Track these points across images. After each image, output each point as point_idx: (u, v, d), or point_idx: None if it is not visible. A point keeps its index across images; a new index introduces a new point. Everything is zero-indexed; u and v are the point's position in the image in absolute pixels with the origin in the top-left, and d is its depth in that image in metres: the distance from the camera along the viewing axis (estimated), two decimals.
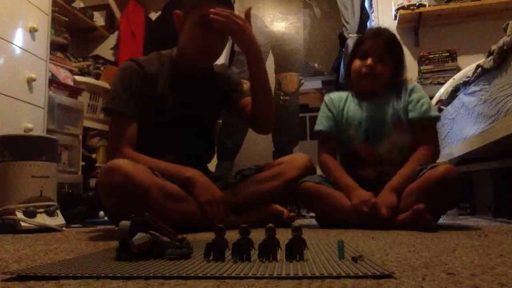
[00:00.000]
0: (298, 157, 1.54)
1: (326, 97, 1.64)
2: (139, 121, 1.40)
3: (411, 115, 1.47)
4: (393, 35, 1.55)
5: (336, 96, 1.62)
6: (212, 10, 1.33)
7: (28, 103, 2.04)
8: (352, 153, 1.52)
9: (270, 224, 0.67)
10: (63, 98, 2.40)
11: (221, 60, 1.67)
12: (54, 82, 2.35)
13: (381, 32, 1.53)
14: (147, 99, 1.40)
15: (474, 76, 1.89)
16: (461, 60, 3.01)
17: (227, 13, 1.34)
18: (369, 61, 1.48)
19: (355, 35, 3.42)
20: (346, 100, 1.59)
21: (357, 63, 1.52)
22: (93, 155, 2.76)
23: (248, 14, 1.40)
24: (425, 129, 1.47)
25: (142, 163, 1.25)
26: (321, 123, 1.59)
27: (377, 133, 1.49)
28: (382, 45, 1.49)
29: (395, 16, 3.15)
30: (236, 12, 1.49)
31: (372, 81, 1.50)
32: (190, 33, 1.42)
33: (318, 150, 1.58)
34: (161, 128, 1.45)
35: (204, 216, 1.29)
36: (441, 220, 1.70)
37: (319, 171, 1.58)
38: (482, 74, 1.79)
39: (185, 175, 1.32)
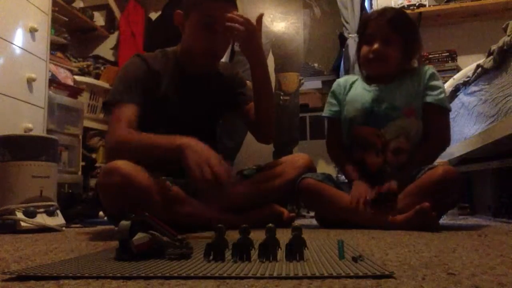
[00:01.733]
0: (298, 158, 1.53)
1: (335, 82, 1.63)
2: (140, 120, 1.35)
3: (428, 99, 1.43)
4: (399, 13, 1.48)
5: (343, 80, 1.61)
6: (229, 15, 1.30)
7: (28, 103, 2.04)
8: (354, 134, 1.49)
9: (270, 224, 0.67)
10: (63, 98, 2.40)
11: (222, 60, 1.65)
12: (54, 82, 2.35)
13: (385, 12, 1.46)
14: (149, 96, 1.38)
15: (474, 76, 1.89)
16: (461, 60, 3.01)
17: (243, 19, 1.30)
18: (375, 46, 1.43)
19: (355, 35, 3.41)
20: (353, 83, 1.57)
21: (364, 49, 1.48)
22: (93, 155, 2.76)
23: (260, 20, 1.34)
24: (439, 117, 1.44)
25: (135, 140, 1.22)
26: (326, 109, 1.61)
27: (383, 117, 1.44)
28: (387, 26, 1.42)
29: None
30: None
31: (381, 65, 1.46)
32: (191, 33, 1.39)
33: (327, 136, 1.62)
34: (161, 128, 1.44)
35: (195, 188, 1.22)
36: (441, 220, 1.70)
37: (319, 171, 1.57)
38: (482, 74, 1.79)
39: (176, 143, 1.18)
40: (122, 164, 1.14)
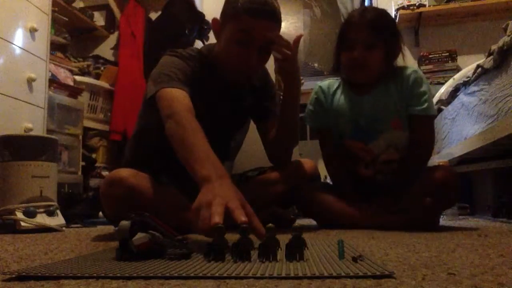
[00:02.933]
0: (303, 164, 1.50)
1: (316, 87, 1.55)
2: (158, 122, 1.15)
3: (412, 111, 1.39)
4: (380, 13, 1.40)
5: (326, 86, 1.52)
6: (274, 36, 1.21)
7: (28, 103, 2.04)
8: (344, 147, 1.47)
9: (270, 224, 0.67)
10: (63, 98, 2.40)
11: None
12: (54, 82, 2.35)
13: (365, 14, 1.37)
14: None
15: (474, 76, 1.89)
16: (461, 60, 3.01)
17: (286, 41, 1.21)
18: (355, 53, 1.36)
19: None
20: (337, 89, 1.50)
21: (344, 55, 1.40)
22: (93, 155, 2.76)
23: (298, 42, 1.24)
24: (423, 127, 1.40)
25: (187, 129, 1.04)
26: (309, 117, 1.54)
27: (371, 131, 1.42)
28: (368, 30, 1.34)
29: (395, 16, 3.15)
30: None
31: (364, 72, 1.39)
32: (225, 46, 1.27)
33: (322, 146, 1.55)
34: None
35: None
36: (441, 220, 1.70)
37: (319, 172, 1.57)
38: (482, 74, 1.79)
39: (202, 173, 0.92)
40: (126, 175, 1.12)
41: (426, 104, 1.38)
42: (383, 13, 1.42)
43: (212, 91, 1.35)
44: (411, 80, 1.39)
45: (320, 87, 1.53)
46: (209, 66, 1.34)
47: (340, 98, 1.48)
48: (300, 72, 1.32)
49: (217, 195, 0.82)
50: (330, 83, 1.53)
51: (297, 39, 1.24)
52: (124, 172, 1.14)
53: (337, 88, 1.50)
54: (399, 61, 1.46)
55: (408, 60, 2.87)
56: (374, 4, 3.40)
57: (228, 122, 1.45)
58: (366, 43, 1.35)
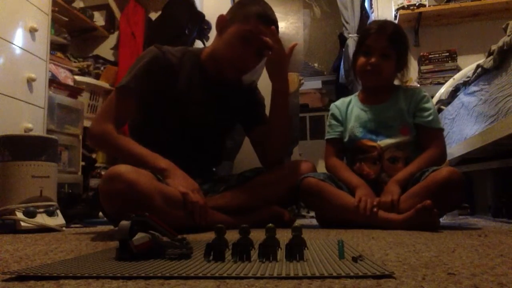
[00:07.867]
0: (301, 164, 1.52)
1: (331, 105, 1.71)
2: (148, 116, 1.41)
3: (417, 120, 1.51)
4: (398, 28, 1.57)
5: (339, 102, 1.69)
6: (271, 29, 1.38)
7: (28, 103, 2.04)
8: (354, 146, 1.56)
9: (270, 224, 0.67)
10: (63, 98, 2.39)
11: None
12: (54, 82, 2.35)
13: (386, 27, 1.53)
14: (160, 89, 1.39)
15: (474, 76, 1.89)
16: (461, 60, 3.01)
17: (278, 39, 1.39)
18: (373, 59, 1.50)
19: (355, 35, 3.42)
20: (349, 103, 1.65)
21: (361, 59, 1.54)
22: (93, 155, 2.76)
23: (292, 49, 1.43)
24: (432, 137, 1.50)
25: (117, 144, 1.31)
26: (330, 132, 1.65)
27: (380, 134, 1.52)
28: (387, 41, 1.50)
29: (395, 16, 3.15)
30: None
31: (376, 77, 1.54)
32: (229, 41, 1.42)
33: (326, 154, 1.63)
34: (169, 125, 1.44)
35: (185, 205, 1.25)
36: (441, 220, 1.70)
37: (319, 172, 1.57)
38: (482, 74, 1.79)
39: (161, 165, 1.28)
40: (125, 171, 1.13)
41: (431, 117, 1.50)
42: (400, 29, 1.59)
43: (199, 85, 1.45)
44: (420, 96, 1.54)
45: (334, 104, 1.70)
46: (197, 61, 1.48)
47: (353, 109, 1.63)
48: (287, 72, 1.46)
49: (189, 185, 1.26)
50: (343, 100, 1.70)
51: (292, 46, 1.44)
52: (123, 168, 1.14)
53: (349, 102, 1.66)
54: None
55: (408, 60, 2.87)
56: (374, 5, 3.40)
57: (215, 121, 1.51)
58: (383, 52, 1.50)
